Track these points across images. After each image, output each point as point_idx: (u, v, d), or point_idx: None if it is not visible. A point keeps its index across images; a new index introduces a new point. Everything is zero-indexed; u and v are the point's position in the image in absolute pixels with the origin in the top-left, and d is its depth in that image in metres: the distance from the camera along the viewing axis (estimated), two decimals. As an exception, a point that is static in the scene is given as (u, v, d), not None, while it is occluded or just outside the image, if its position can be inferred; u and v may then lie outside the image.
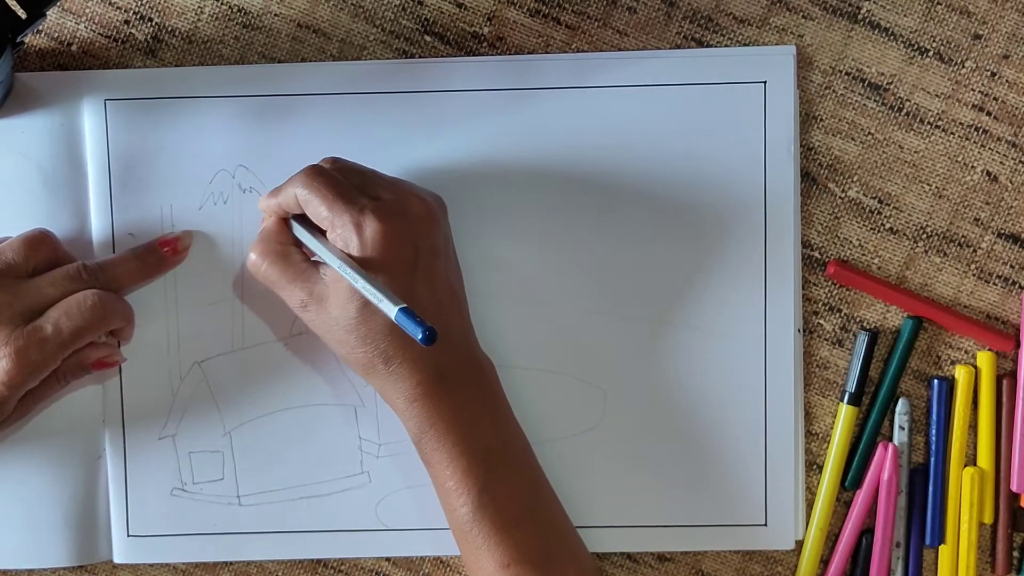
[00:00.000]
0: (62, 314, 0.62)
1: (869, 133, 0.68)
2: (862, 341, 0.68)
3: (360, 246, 0.60)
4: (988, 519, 0.68)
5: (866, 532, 0.68)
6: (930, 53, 0.68)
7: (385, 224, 0.60)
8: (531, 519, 0.63)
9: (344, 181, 0.61)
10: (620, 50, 0.68)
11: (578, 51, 0.68)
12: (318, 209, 0.61)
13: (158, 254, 0.66)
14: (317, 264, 0.63)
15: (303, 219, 0.63)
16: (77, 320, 0.62)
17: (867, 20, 0.68)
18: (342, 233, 0.60)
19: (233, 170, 0.67)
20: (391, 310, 0.57)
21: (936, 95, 0.68)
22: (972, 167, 0.68)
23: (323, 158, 0.64)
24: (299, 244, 0.64)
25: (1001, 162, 0.68)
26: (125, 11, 0.68)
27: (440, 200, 0.64)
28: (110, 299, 0.63)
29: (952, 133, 0.68)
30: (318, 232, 0.62)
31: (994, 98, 0.68)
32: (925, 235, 0.68)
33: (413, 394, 0.61)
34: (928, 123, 0.68)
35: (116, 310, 0.63)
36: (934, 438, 0.68)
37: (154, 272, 0.66)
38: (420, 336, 0.55)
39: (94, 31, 0.68)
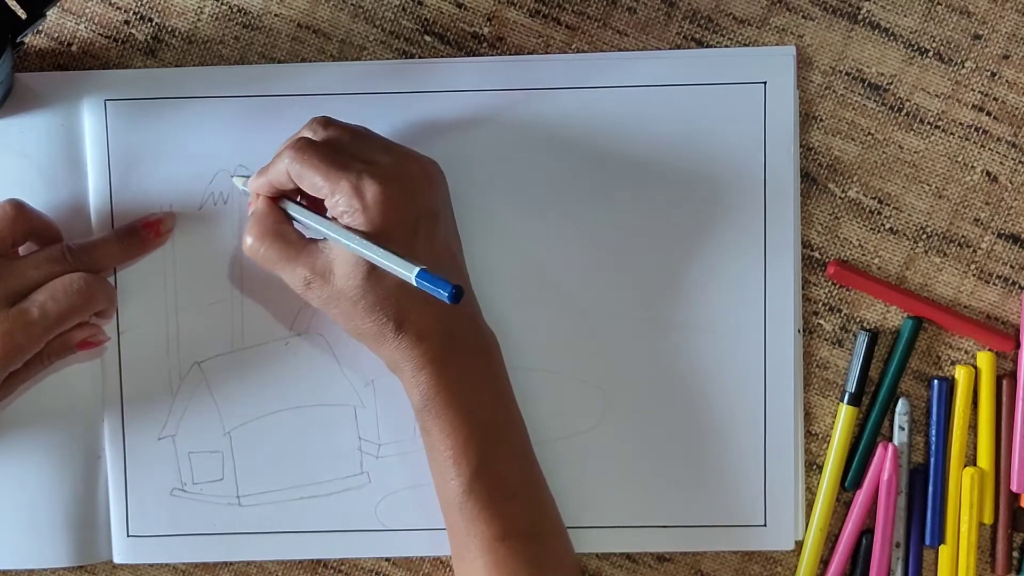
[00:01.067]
0: (48, 297, 0.62)
1: (869, 133, 0.68)
2: (862, 341, 0.68)
3: (361, 210, 0.59)
4: (988, 519, 0.68)
5: (866, 532, 0.68)
6: (930, 53, 0.68)
7: (385, 187, 0.60)
8: (525, 494, 0.63)
9: (333, 150, 0.61)
10: (620, 50, 0.68)
11: (578, 51, 0.68)
12: (313, 180, 0.60)
13: (140, 235, 0.66)
14: (315, 240, 0.62)
15: (294, 197, 0.63)
16: (63, 303, 0.62)
17: (867, 20, 0.68)
18: (341, 200, 0.60)
19: (233, 170, 0.67)
20: (410, 274, 0.56)
21: (936, 95, 0.68)
22: (972, 167, 0.68)
23: (314, 118, 0.63)
24: (292, 222, 0.63)
25: (1001, 162, 0.68)
26: (125, 11, 0.68)
27: (436, 164, 0.64)
28: (96, 282, 0.63)
29: (952, 133, 0.68)
30: (312, 208, 0.62)
31: (994, 98, 0.68)
32: (925, 235, 0.68)
33: (421, 362, 0.61)
34: (928, 123, 0.68)
35: (101, 293, 0.63)
36: (934, 438, 0.68)
37: (136, 253, 0.66)
38: (446, 294, 0.55)
39: (94, 31, 0.68)
